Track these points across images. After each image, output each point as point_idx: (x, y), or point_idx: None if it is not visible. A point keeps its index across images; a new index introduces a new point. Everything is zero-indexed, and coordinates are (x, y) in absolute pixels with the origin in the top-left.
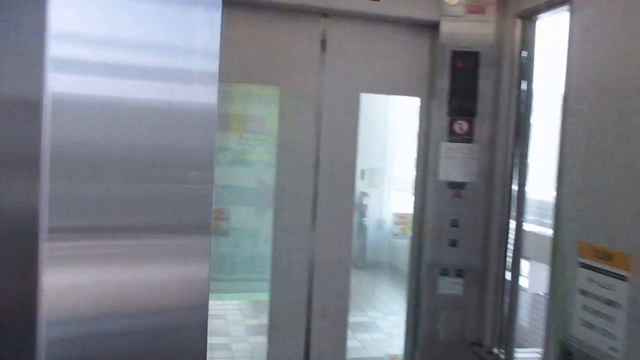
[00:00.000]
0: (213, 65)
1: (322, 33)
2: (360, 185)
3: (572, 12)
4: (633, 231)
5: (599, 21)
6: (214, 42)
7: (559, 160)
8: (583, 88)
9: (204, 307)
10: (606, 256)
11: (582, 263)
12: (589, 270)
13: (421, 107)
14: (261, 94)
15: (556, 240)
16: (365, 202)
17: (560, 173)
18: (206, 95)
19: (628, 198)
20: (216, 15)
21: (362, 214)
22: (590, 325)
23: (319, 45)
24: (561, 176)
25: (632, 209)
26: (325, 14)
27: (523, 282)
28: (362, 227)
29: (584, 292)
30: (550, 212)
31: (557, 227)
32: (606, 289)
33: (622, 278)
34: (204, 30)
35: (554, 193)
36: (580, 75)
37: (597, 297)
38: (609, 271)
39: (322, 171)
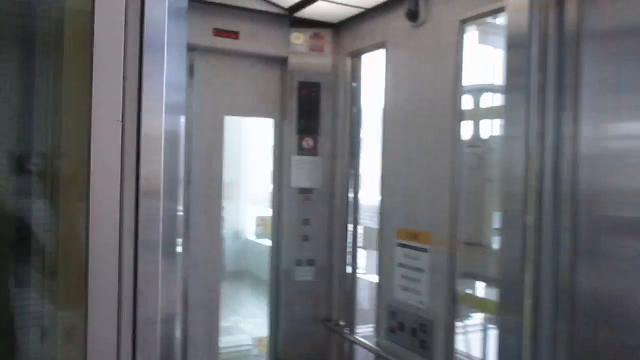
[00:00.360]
0: None
1: (191, 64)
2: None
3: (387, 53)
4: (430, 216)
5: (403, 61)
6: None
7: (382, 167)
8: (394, 110)
9: None
10: (414, 236)
11: (399, 244)
12: (404, 248)
13: (275, 127)
14: None
15: (381, 229)
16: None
17: (382, 178)
18: None
19: (426, 193)
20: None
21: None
22: (406, 289)
23: (188, 74)
24: (383, 180)
25: (429, 201)
26: (193, 48)
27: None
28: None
29: (401, 265)
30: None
31: (381, 219)
32: (415, 259)
33: (424, 250)
34: None
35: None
36: (392, 100)
37: (409, 267)
38: (416, 247)
39: (194, 192)
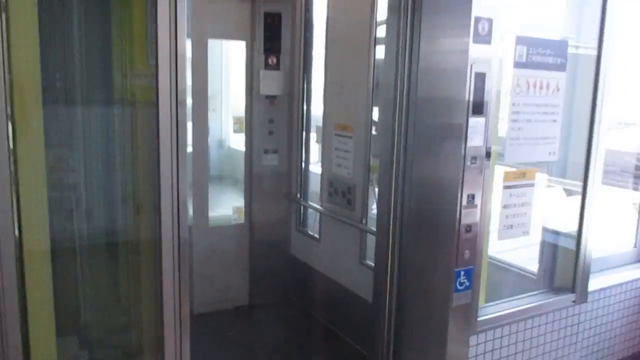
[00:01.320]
0: None
1: None
2: None
3: None
4: (355, 112)
5: None
6: None
7: (324, 79)
8: (332, 35)
9: None
10: (344, 127)
11: (335, 134)
12: (337, 137)
13: (246, 48)
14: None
15: (324, 126)
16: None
17: (324, 87)
18: None
19: (352, 98)
20: None
21: None
22: (339, 165)
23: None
24: (325, 89)
25: (354, 104)
26: None
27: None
28: None
29: (336, 149)
30: None
31: (324, 118)
32: (344, 144)
33: (350, 137)
34: None
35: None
36: (331, 28)
37: (340, 150)
38: (345, 135)
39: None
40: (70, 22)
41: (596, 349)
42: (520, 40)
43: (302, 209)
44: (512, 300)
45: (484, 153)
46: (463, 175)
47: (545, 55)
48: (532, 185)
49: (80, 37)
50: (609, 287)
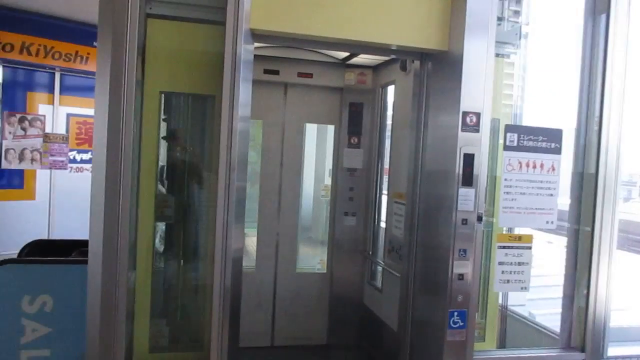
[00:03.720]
0: None
1: (284, 92)
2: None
3: (395, 87)
4: (405, 184)
5: (399, 93)
6: None
7: (390, 155)
8: (397, 121)
9: None
10: (400, 196)
11: (395, 201)
12: (396, 204)
13: (335, 130)
14: (255, 124)
15: (388, 192)
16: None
17: (390, 160)
18: None
19: (405, 167)
20: None
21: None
22: (396, 227)
23: (283, 99)
24: (390, 163)
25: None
26: (286, 84)
27: None
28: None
29: (395, 213)
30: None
31: (388, 186)
32: (399, 209)
33: (403, 204)
34: None
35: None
36: (398, 116)
37: (398, 214)
38: (400, 202)
39: (284, 166)
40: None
41: None
42: (509, 129)
43: (371, 264)
44: (521, 349)
45: (475, 217)
46: (454, 234)
47: (538, 140)
48: (530, 248)
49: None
50: (636, 356)
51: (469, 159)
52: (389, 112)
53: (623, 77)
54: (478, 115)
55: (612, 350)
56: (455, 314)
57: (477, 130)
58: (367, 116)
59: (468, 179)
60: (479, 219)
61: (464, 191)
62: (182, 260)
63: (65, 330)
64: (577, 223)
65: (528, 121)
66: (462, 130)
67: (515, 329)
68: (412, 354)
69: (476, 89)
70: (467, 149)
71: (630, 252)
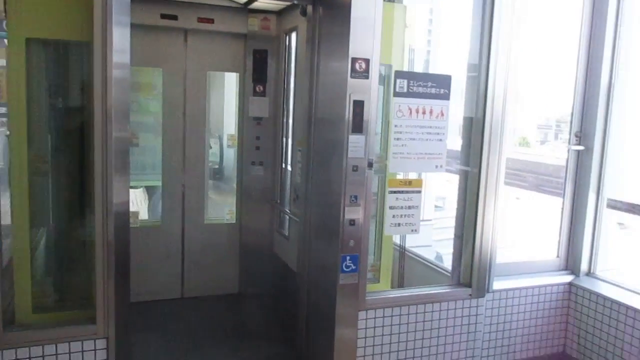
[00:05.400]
0: None
1: (185, 38)
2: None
3: (297, 33)
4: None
5: (301, 39)
6: None
7: (293, 103)
8: (299, 68)
9: None
10: (301, 144)
11: (298, 149)
12: (299, 152)
13: (239, 78)
14: (154, 72)
15: (292, 141)
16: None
17: (293, 108)
18: None
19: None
20: None
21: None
22: (299, 174)
23: (183, 45)
24: (294, 111)
25: None
26: (186, 30)
27: None
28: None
29: (299, 162)
30: None
31: (292, 133)
32: (304, 158)
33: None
34: None
35: None
36: (299, 63)
37: (301, 162)
38: (302, 150)
39: (187, 116)
40: None
41: (498, 344)
42: (398, 75)
43: (280, 213)
44: (412, 288)
45: (365, 163)
46: (345, 180)
47: (427, 87)
48: (419, 192)
49: None
50: (519, 289)
51: (358, 106)
52: (294, 60)
53: (510, 22)
54: (367, 61)
55: (497, 284)
56: (348, 258)
57: (367, 77)
58: (272, 64)
59: (358, 126)
60: (370, 165)
61: (354, 138)
62: (67, 216)
63: None
64: (466, 165)
65: (433, 69)
66: (352, 77)
67: (415, 270)
68: (310, 296)
69: (365, 35)
70: (357, 95)
71: (541, 193)
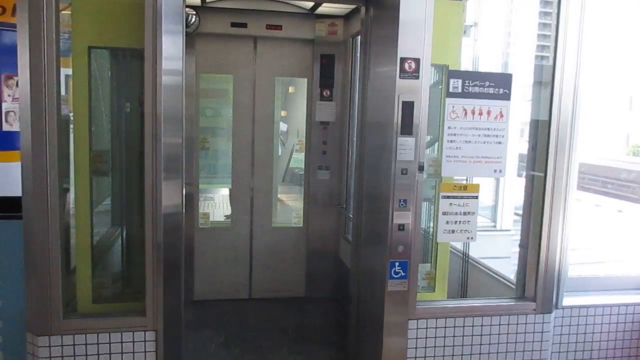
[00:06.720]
0: None
1: (254, 45)
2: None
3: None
4: None
5: None
6: None
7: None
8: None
9: None
10: None
11: None
12: None
13: (307, 83)
14: (226, 79)
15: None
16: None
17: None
18: None
19: None
20: None
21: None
22: None
23: (252, 52)
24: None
25: None
26: (255, 37)
27: None
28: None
29: None
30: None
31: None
32: None
33: None
34: None
35: None
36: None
37: None
38: None
39: (256, 121)
40: None
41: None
42: (452, 74)
43: (345, 218)
44: (470, 299)
45: (416, 167)
46: (394, 184)
47: (485, 86)
48: (476, 197)
49: None
50: (595, 306)
51: (407, 107)
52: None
53: (579, 21)
54: (417, 61)
55: (570, 300)
56: (397, 264)
57: (417, 77)
58: (338, 68)
59: (407, 128)
60: (420, 168)
61: (402, 140)
62: (125, 215)
63: (14, 282)
64: (532, 170)
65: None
66: (401, 78)
67: (481, 280)
68: (359, 301)
69: (415, 34)
70: (406, 96)
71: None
